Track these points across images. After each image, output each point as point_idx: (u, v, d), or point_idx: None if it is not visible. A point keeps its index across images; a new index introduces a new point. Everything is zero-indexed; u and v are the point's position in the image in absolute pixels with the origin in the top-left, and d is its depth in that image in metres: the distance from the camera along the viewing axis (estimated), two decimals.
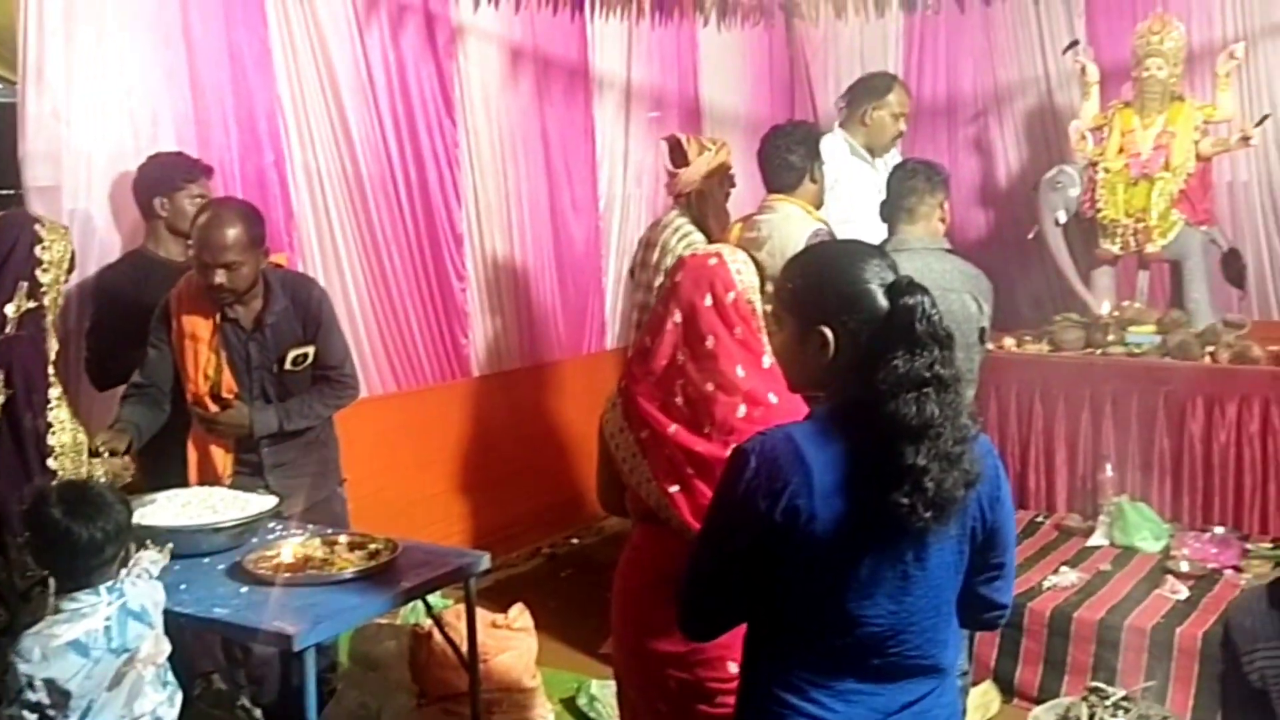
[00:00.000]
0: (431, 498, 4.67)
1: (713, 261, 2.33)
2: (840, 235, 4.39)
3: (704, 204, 4.14)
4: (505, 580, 4.73)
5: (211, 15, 3.85)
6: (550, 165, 5.09)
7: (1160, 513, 4.27)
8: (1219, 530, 4.11)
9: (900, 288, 1.72)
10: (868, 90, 4.67)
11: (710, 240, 4.07)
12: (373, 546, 2.80)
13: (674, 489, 2.27)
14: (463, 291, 4.74)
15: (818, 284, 1.81)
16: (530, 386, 5.11)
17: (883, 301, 1.72)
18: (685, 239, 4.07)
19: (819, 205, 3.88)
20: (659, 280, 3.67)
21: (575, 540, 5.23)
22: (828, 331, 1.74)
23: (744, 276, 2.31)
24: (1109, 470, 4.35)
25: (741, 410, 2.23)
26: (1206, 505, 4.28)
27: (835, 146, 4.60)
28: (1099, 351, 4.62)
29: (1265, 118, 4.73)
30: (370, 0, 4.27)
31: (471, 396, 4.87)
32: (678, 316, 2.29)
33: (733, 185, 4.29)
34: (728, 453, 2.19)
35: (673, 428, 2.26)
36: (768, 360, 2.30)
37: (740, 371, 2.25)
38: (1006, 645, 3.64)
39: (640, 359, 2.37)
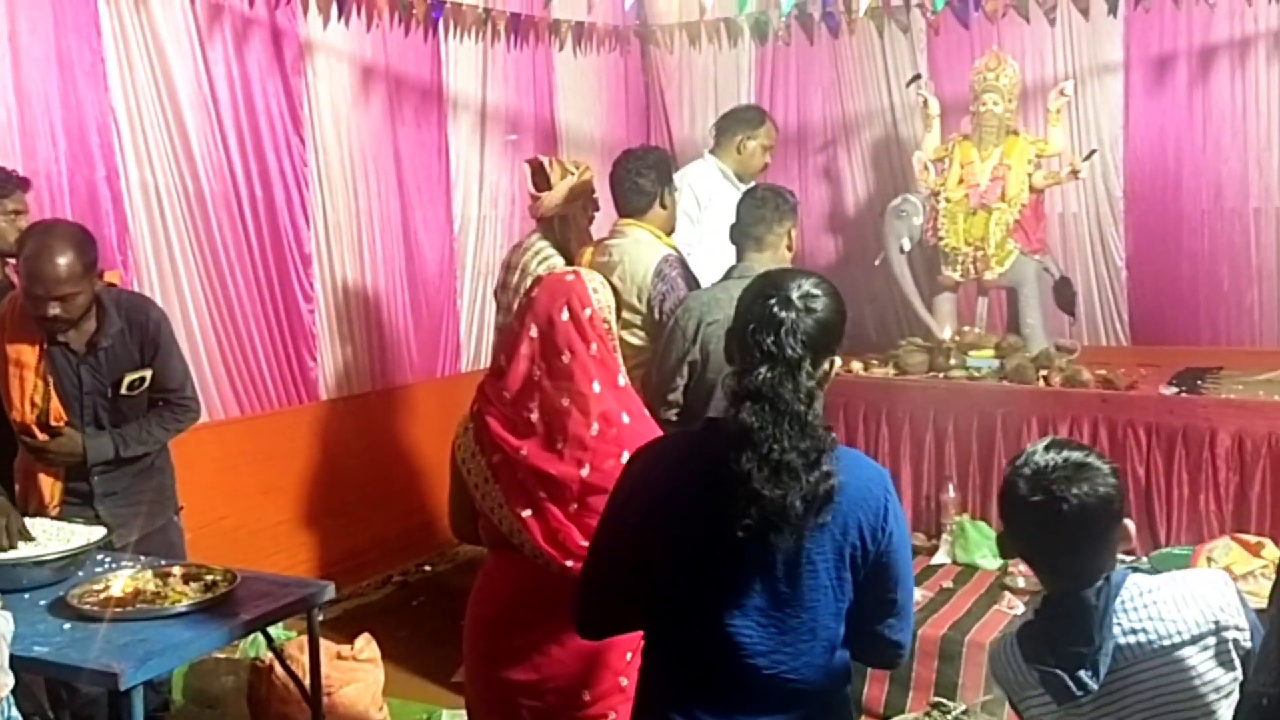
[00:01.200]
0: (276, 525, 4.53)
1: (570, 278, 2.34)
2: (709, 259, 4.50)
3: (567, 227, 4.15)
4: (354, 610, 4.62)
5: (39, 21, 3.68)
6: (403, 185, 5.02)
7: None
8: None
9: (747, 305, 1.81)
10: (742, 121, 4.79)
11: (570, 263, 4.07)
12: (209, 578, 2.69)
13: (526, 514, 2.25)
14: (310, 313, 4.62)
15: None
16: (382, 410, 5.01)
17: (749, 313, 1.79)
18: (546, 262, 4.06)
19: (670, 231, 3.91)
20: (519, 302, 3.65)
21: (428, 567, 5.14)
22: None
23: (600, 296, 2.33)
24: (951, 490, 4.49)
25: (595, 428, 2.23)
26: None
27: (707, 172, 4.75)
28: (941, 375, 4.77)
29: (1092, 153, 5.00)
30: (213, 13, 4.15)
31: (320, 421, 4.75)
32: (534, 331, 2.28)
33: (596, 209, 4.31)
34: (582, 472, 2.19)
35: (524, 449, 2.25)
36: (623, 379, 2.32)
37: (596, 388, 2.26)
38: (854, 663, 3.71)
39: (494, 379, 2.35)
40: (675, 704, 1.83)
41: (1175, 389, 4.41)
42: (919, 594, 3.92)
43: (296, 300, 4.55)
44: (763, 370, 1.72)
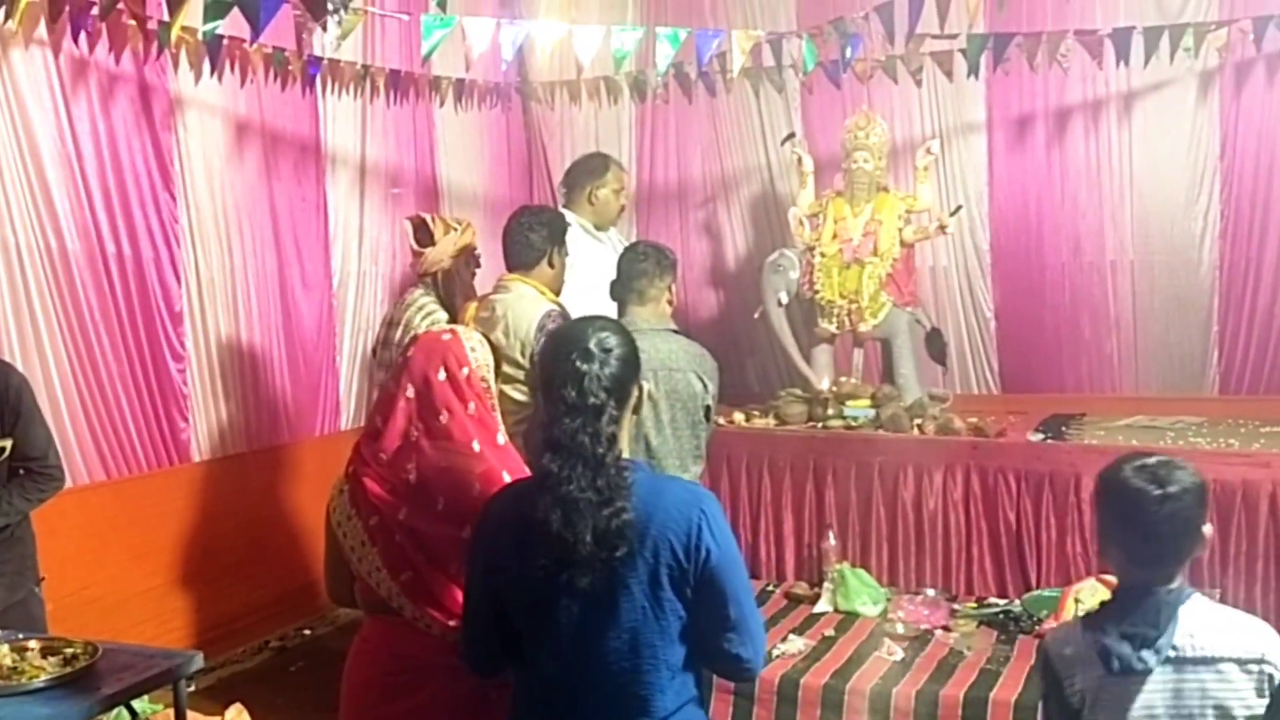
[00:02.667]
0: (145, 593, 4.36)
1: (446, 337, 2.34)
2: (578, 312, 4.51)
3: (450, 282, 4.15)
4: (229, 677, 4.49)
5: None
6: (280, 241, 4.95)
7: (878, 577, 4.51)
8: (930, 592, 4.37)
9: (550, 362, 1.97)
10: (587, 172, 4.85)
11: (454, 319, 4.07)
12: (69, 651, 2.59)
13: (407, 577, 2.22)
14: (181, 372, 4.50)
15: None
16: (258, 471, 4.89)
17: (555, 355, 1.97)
18: (429, 317, 4.05)
19: (557, 290, 3.93)
20: (396, 361, 3.63)
21: (308, 631, 5.01)
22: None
23: (478, 355, 2.33)
24: (831, 539, 4.56)
25: (476, 488, 2.22)
26: (919, 569, 4.56)
27: (569, 231, 4.76)
28: (820, 425, 4.87)
29: (958, 208, 5.18)
30: (77, 68, 4.04)
31: (192, 483, 4.61)
32: (410, 391, 2.27)
33: (478, 265, 4.32)
34: (463, 533, 2.18)
35: (403, 512, 2.22)
36: (502, 437, 2.32)
37: (476, 446, 2.25)
38: (739, 714, 3.72)
39: (370, 440, 2.32)
40: None
41: (1041, 435, 4.58)
42: (801, 642, 3.96)
43: (165, 359, 4.43)
44: (565, 421, 1.88)
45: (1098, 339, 5.40)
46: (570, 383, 1.90)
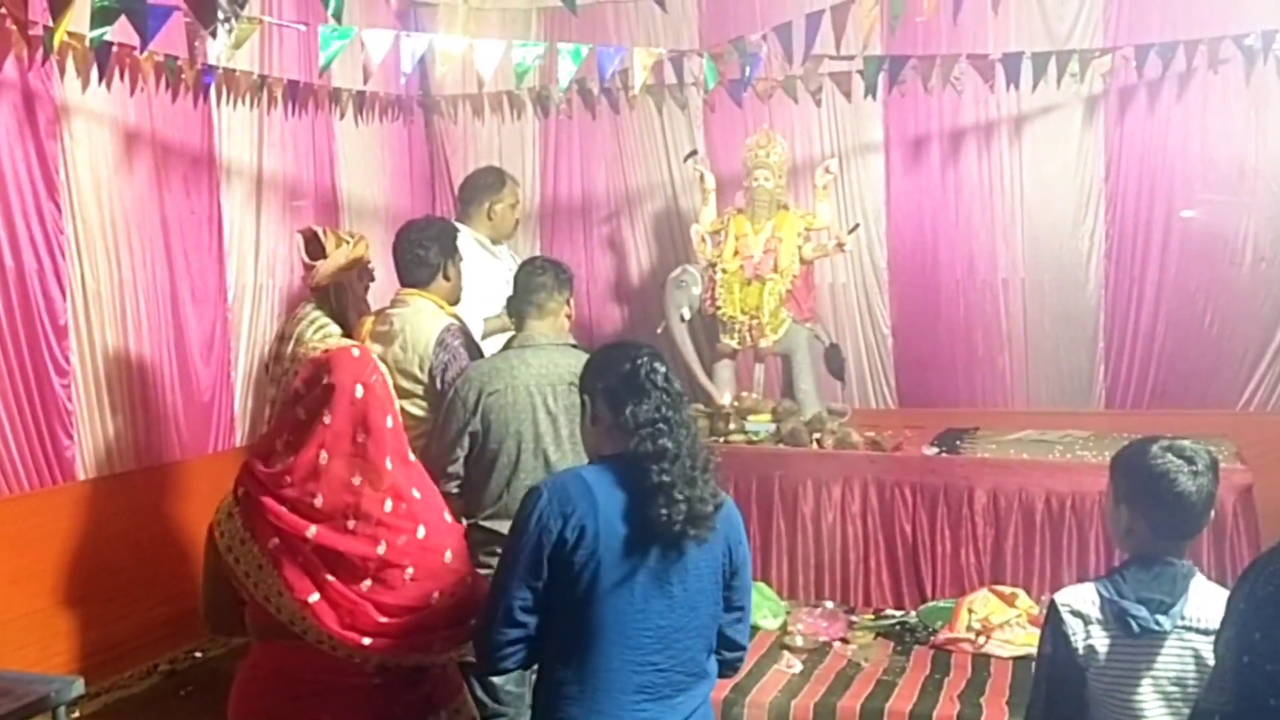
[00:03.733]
0: (27, 616, 4.19)
1: (357, 354, 2.31)
2: (476, 326, 4.51)
3: (343, 296, 4.10)
4: (115, 703, 4.35)
5: None
6: (171, 254, 4.81)
7: (778, 591, 4.56)
8: (829, 605, 4.44)
9: (635, 357, 2.23)
10: (484, 187, 4.88)
11: (347, 333, 4.01)
12: None
13: (313, 598, 2.17)
14: (66, 387, 4.34)
15: (585, 367, 2.37)
16: (148, 489, 4.74)
17: (624, 368, 2.22)
18: (321, 330, 3.99)
19: (455, 301, 3.91)
20: (295, 380, 3.56)
21: (199, 654, 4.87)
22: (586, 399, 2.30)
23: (384, 371, 2.33)
24: None
25: (388, 505, 2.20)
26: (819, 582, 4.62)
27: (465, 244, 4.75)
28: (722, 439, 4.91)
29: (856, 226, 5.29)
30: None
31: (78, 502, 4.45)
32: (327, 418, 2.22)
33: (372, 279, 4.27)
34: (378, 549, 2.15)
35: (311, 530, 2.18)
36: (412, 455, 2.30)
37: (389, 464, 2.23)
38: None
39: (268, 459, 2.26)
40: (584, 707, 2.12)
41: (936, 449, 4.68)
42: None
43: (49, 374, 4.27)
44: (661, 398, 2.21)
45: (990, 355, 5.54)
46: (644, 370, 2.24)
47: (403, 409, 3.55)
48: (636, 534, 2.10)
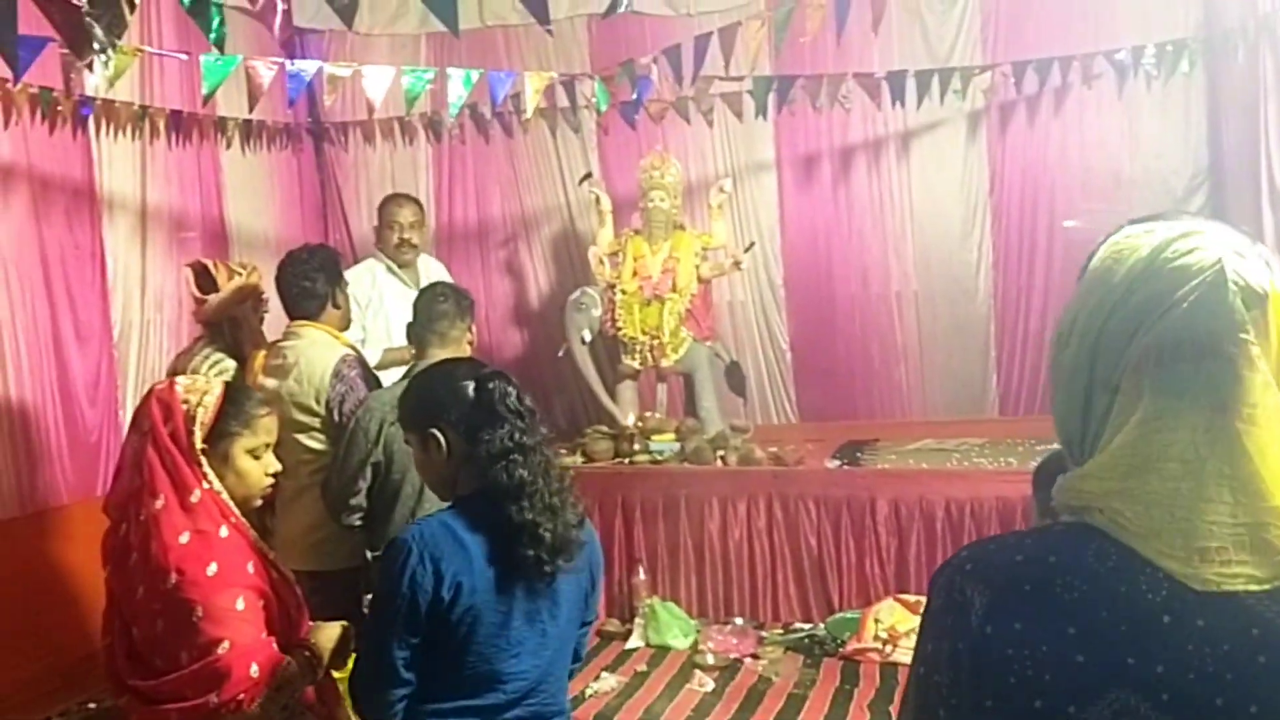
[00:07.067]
0: None
1: (160, 387, 2.23)
2: (382, 351, 4.48)
3: (238, 330, 4.00)
4: None
5: None
6: (51, 291, 4.66)
7: (688, 610, 4.58)
8: (739, 621, 4.47)
9: (482, 379, 2.10)
10: (379, 211, 4.96)
11: (245, 367, 3.91)
12: None
13: (107, 641, 2.16)
14: None
15: (419, 397, 2.19)
16: (30, 535, 4.57)
17: (471, 394, 2.09)
18: (217, 366, 3.89)
19: (345, 328, 3.86)
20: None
21: (93, 705, 4.70)
22: (435, 432, 2.10)
23: (190, 407, 2.17)
24: (641, 573, 4.61)
25: (158, 548, 2.08)
26: (728, 599, 4.66)
27: (375, 269, 4.87)
28: (627, 460, 4.93)
29: (751, 244, 5.37)
30: None
31: None
32: (130, 447, 2.19)
33: (266, 309, 4.18)
34: (167, 586, 2.04)
35: (108, 571, 2.17)
36: (195, 496, 2.15)
37: (159, 504, 2.12)
38: None
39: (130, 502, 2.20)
40: None
41: (838, 462, 4.76)
42: (613, 680, 3.99)
43: None
44: (515, 423, 2.09)
45: (887, 367, 5.66)
46: (497, 394, 2.11)
47: (297, 442, 3.52)
48: (507, 575, 2.01)
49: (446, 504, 2.16)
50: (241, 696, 2.02)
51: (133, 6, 2.24)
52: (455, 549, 1.99)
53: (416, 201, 5.13)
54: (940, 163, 5.53)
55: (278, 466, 2.31)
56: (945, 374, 5.61)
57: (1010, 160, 5.42)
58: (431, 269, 5.05)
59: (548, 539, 2.00)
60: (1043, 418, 5.27)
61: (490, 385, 2.09)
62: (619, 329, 5.25)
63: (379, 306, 4.80)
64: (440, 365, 2.32)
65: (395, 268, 4.84)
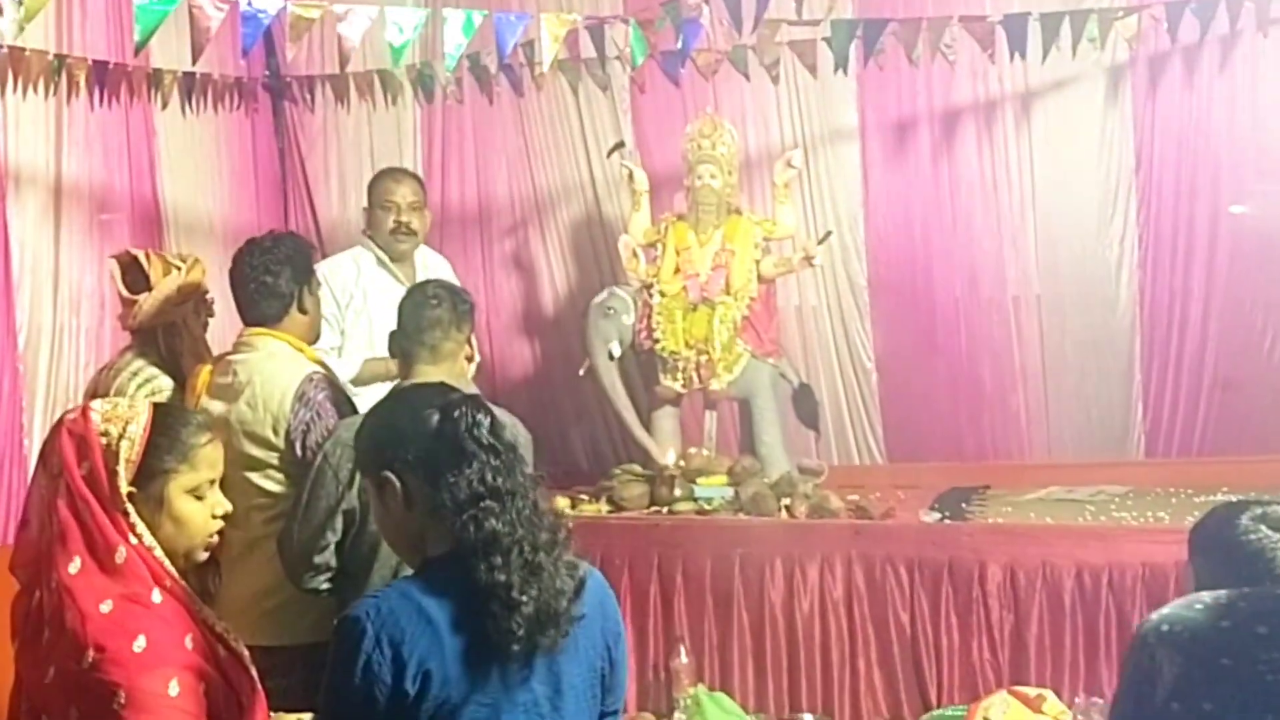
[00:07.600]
0: None
1: (72, 417, 2.22)
2: (361, 362, 4.50)
3: (175, 339, 4.02)
4: None
5: None
6: None
7: (743, 703, 4.56)
8: (808, 719, 4.44)
9: (448, 407, 2.10)
10: (369, 189, 5.04)
11: (181, 384, 3.94)
12: None
13: None
14: None
15: (372, 431, 2.22)
16: None
17: (434, 425, 2.09)
18: (148, 384, 3.92)
19: (314, 340, 3.88)
20: None
21: None
22: (391, 475, 2.11)
23: (111, 438, 2.18)
24: (683, 656, 4.59)
25: (73, 617, 2.08)
26: (793, 689, 4.62)
27: (361, 262, 4.94)
28: (665, 510, 4.91)
29: (828, 234, 5.35)
30: None
31: None
32: (38, 489, 2.21)
33: (211, 313, 4.20)
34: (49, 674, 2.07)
35: (16, 645, 2.20)
36: (121, 554, 2.15)
37: (74, 567, 2.13)
38: None
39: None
40: None
41: (938, 515, 4.73)
42: None
43: None
44: (487, 461, 2.08)
45: (1001, 394, 5.62)
46: (463, 426, 2.12)
47: (249, 482, 3.54)
48: (484, 657, 2.00)
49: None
50: None
51: None
52: (420, 627, 1.98)
53: (417, 178, 5.17)
54: (1071, 132, 5.49)
55: (227, 506, 2.32)
56: (1076, 403, 5.57)
57: (1162, 129, 5.37)
58: (431, 264, 5.07)
59: (526, 608, 1.98)
60: (1204, 460, 5.24)
61: (455, 414, 2.08)
62: (656, 341, 5.24)
63: (362, 305, 4.83)
64: (404, 391, 2.37)
65: (387, 259, 4.86)
